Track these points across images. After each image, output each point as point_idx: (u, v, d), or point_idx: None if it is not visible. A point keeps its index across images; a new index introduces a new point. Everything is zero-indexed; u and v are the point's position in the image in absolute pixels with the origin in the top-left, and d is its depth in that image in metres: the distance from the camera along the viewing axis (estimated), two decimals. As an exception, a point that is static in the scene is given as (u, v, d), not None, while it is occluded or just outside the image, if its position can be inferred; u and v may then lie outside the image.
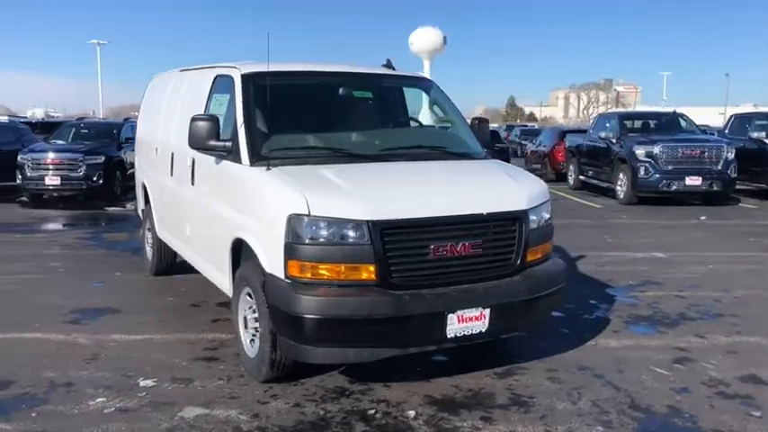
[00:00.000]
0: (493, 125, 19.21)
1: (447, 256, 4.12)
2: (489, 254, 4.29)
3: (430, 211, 4.12)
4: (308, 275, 3.94)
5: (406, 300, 3.96)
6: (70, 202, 14.30)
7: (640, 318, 6.14)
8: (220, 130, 4.80)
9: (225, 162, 4.84)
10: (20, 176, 14.09)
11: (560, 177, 19.09)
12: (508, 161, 10.53)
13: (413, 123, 5.97)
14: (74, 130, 16.38)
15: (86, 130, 16.35)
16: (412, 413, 4.07)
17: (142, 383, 4.50)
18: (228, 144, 4.73)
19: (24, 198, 14.52)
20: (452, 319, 4.05)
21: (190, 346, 5.23)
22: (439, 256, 4.10)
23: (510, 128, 42.11)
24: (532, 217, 4.49)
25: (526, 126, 43.09)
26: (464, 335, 4.13)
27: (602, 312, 6.30)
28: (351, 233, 3.93)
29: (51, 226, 11.86)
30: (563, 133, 20.84)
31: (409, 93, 6.05)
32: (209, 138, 4.72)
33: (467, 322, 4.10)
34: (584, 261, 8.53)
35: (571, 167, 18.11)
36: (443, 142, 5.24)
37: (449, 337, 4.08)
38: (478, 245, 4.21)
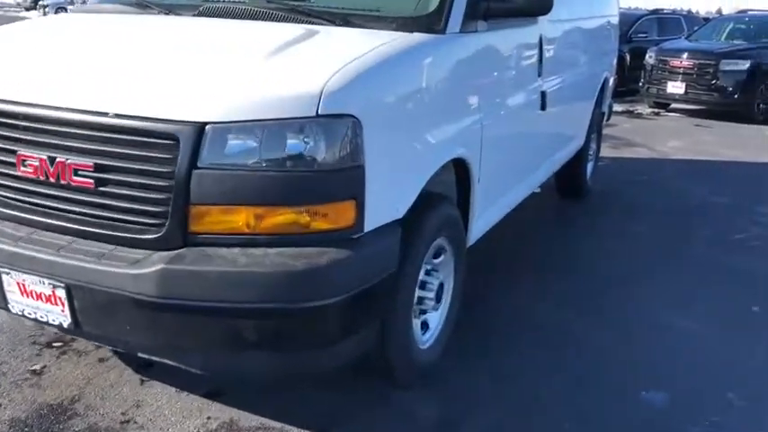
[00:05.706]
0: None
1: (34, 177, 2.30)
2: (112, 193, 2.21)
3: (24, 95, 2.34)
4: None
5: None
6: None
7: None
8: None
9: None
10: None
11: None
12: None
13: None
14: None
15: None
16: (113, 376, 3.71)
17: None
18: None
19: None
20: (11, 285, 2.34)
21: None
22: (25, 173, 2.32)
23: None
24: (233, 142, 2.11)
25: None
26: (37, 318, 2.36)
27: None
28: None
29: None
30: None
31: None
32: None
33: (35, 300, 2.32)
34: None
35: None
36: None
37: (12, 311, 2.42)
38: (88, 170, 2.21)
